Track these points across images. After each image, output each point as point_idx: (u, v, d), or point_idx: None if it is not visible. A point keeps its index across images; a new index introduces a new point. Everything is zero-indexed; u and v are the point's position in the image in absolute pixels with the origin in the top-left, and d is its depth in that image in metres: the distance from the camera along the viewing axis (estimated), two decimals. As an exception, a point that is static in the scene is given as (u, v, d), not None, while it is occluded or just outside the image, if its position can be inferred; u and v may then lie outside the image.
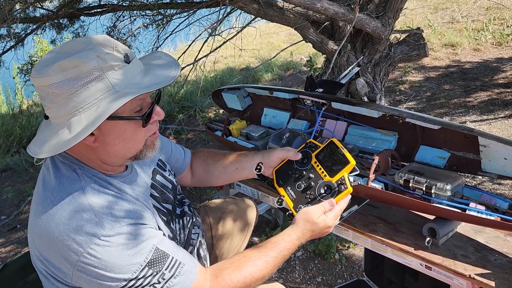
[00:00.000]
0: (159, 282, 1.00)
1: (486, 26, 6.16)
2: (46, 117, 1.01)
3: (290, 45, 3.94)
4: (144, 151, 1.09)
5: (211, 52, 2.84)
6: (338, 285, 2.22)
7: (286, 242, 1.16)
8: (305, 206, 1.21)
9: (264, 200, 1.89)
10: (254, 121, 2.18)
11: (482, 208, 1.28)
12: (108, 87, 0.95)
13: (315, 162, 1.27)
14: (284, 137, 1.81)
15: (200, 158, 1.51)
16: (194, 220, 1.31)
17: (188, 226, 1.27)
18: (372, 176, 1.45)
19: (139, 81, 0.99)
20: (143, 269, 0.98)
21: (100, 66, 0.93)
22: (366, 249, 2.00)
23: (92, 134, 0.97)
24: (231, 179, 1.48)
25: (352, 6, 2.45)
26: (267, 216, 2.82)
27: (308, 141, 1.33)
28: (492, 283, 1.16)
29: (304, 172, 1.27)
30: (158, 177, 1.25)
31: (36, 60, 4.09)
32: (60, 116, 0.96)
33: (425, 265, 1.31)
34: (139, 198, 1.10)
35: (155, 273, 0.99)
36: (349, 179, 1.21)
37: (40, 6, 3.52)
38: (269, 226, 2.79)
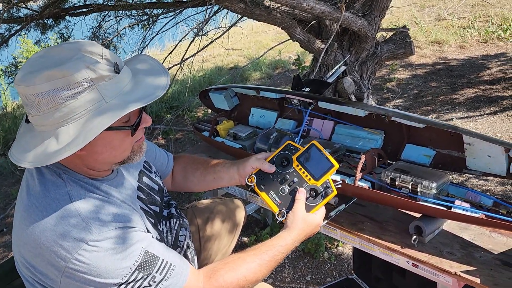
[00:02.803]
0: (150, 285, 0.99)
1: (471, 23, 6.22)
2: (27, 121, 0.99)
3: (278, 44, 3.93)
4: (131, 156, 1.09)
5: (197, 52, 2.83)
6: (327, 283, 2.23)
7: (281, 246, 1.17)
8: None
9: (252, 200, 1.88)
10: (241, 121, 2.18)
11: (467, 205, 1.29)
12: (98, 98, 0.93)
13: (297, 165, 1.27)
14: (272, 136, 1.81)
15: (180, 164, 1.51)
16: (181, 221, 1.31)
17: (175, 228, 1.27)
18: (359, 175, 1.46)
19: (130, 91, 0.97)
20: (133, 273, 0.97)
21: (90, 77, 0.91)
22: (354, 247, 2.01)
23: None
24: (210, 187, 1.48)
25: (339, 5, 2.46)
26: (256, 215, 2.82)
27: (287, 143, 1.32)
28: (477, 280, 1.17)
29: (287, 176, 1.26)
30: (145, 179, 1.25)
31: (21, 62, 4.03)
32: (46, 124, 0.93)
33: (412, 263, 1.32)
34: (126, 201, 1.09)
35: (145, 276, 0.98)
36: (333, 181, 1.23)
37: (24, 6, 3.47)
38: (258, 225, 2.79)
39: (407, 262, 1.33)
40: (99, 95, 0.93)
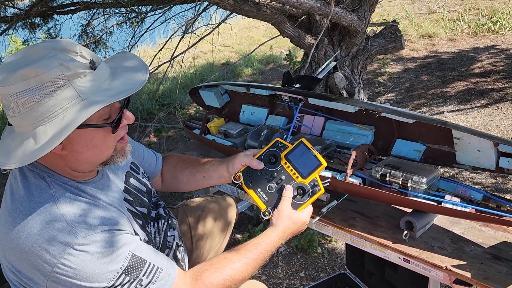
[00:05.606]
0: None
1: (461, 16, 6.25)
2: (10, 124, 0.98)
3: (269, 39, 3.92)
4: (114, 157, 1.07)
5: (187, 49, 2.81)
6: (320, 279, 2.23)
7: (266, 243, 1.17)
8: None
9: (244, 198, 1.88)
10: (232, 118, 2.16)
11: (457, 200, 1.29)
12: (75, 95, 0.91)
13: (285, 163, 1.26)
14: (262, 134, 1.80)
15: (169, 164, 1.50)
16: (169, 222, 1.30)
17: (164, 229, 1.26)
18: (349, 171, 1.45)
19: (107, 88, 0.95)
20: (119, 276, 0.96)
21: (65, 74, 0.90)
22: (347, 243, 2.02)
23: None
24: (200, 186, 1.47)
25: (328, 0, 2.45)
26: (249, 212, 2.82)
27: (275, 140, 1.31)
28: (468, 274, 1.17)
29: (275, 174, 1.26)
30: (132, 180, 1.23)
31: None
32: (24, 125, 0.92)
33: (403, 258, 1.32)
34: (113, 203, 1.08)
35: (132, 280, 0.98)
36: (321, 179, 1.23)
37: (11, 5, 3.43)
38: (251, 222, 2.79)
39: (399, 257, 1.33)
40: (75, 92, 0.91)
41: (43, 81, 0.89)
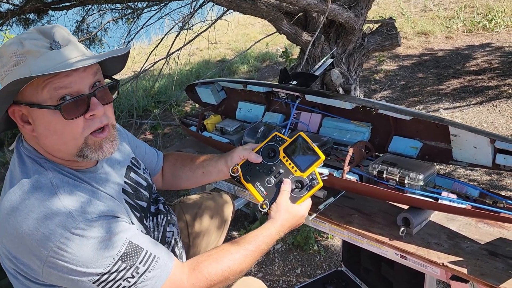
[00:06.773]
0: (133, 276, 0.97)
1: (457, 14, 6.26)
2: None
3: (265, 36, 3.91)
4: (85, 151, 1.01)
5: (183, 46, 2.80)
6: (317, 276, 2.24)
7: (265, 236, 1.16)
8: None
9: (241, 195, 1.87)
10: (229, 115, 2.16)
11: (454, 196, 1.29)
12: (27, 73, 0.93)
13: (284, 157, 1.26)
14: (259, 130, 1.80)
15: (169, 161, 1.50)
16: (169, 218, 1.29)
17: (163, 224, 1.25)
18: (346, 168, 1.46)
19: (61, 67, 0.93)
20: (116, 263, 0.95)
21: (19, 50, 0.93)
22: (343, 239, 2.02)
23: (29, 123, 0.98)
24: (199, 182, 1.46)
25: (325, -3, 2.44)
26: (245, 210, 2.81)
27: (274, 135, 1.31)
28: (464, 270, 1.18)
29: (274, 167, 1.26)
30: (132, 175, 1.23)
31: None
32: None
33: (400, 254, 1.32)
34: (111, 194, 1.08)
35: (128, 267, 0.97)
36: (319, 173, 1.23)
37: (5, 0, 3.40)
38: (247, 219, 2.79)
39: (395, 254, 1.33)
40: (27, 69, 0.93)
41: (4, 55, 0.95)
